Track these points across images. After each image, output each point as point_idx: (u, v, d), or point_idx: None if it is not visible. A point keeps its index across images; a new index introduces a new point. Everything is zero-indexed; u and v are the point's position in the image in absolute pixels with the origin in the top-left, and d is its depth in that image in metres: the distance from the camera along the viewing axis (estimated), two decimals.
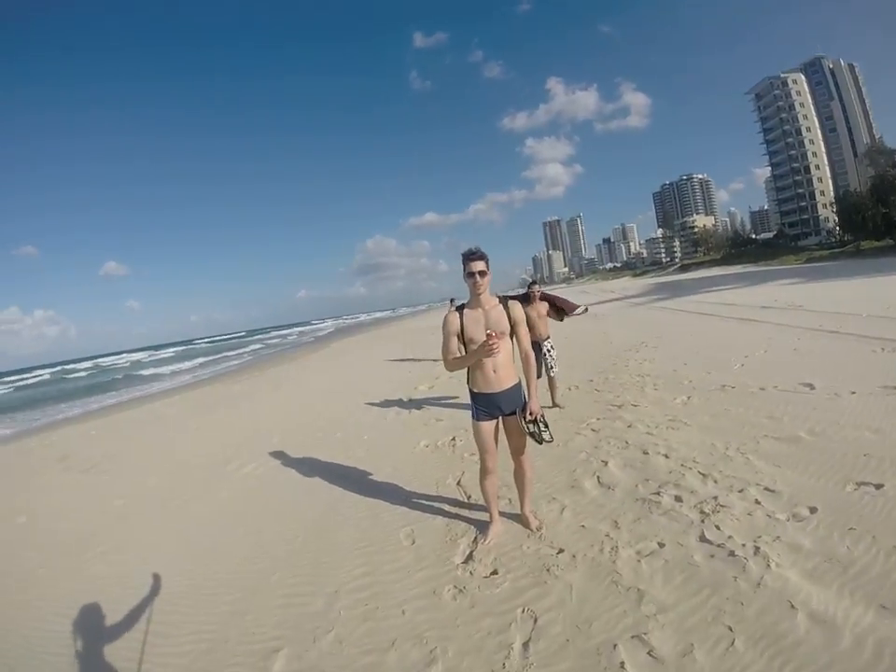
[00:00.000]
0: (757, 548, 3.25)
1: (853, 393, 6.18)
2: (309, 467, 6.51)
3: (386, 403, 9.69)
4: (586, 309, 8.18)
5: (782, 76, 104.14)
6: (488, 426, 3.74)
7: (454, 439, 6.68)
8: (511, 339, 3.72)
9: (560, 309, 7.86)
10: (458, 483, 5.14)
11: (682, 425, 5.90)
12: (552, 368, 7.45)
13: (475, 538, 3.96)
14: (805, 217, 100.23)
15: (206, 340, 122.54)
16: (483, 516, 4.21)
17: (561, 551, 3.59)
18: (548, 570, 3.38)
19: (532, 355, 3.78)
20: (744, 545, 3.30)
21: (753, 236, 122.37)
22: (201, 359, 43.95)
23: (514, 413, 3.70)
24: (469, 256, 3.57)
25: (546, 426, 3.71)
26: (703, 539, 3.46)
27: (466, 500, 4.71)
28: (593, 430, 6.21)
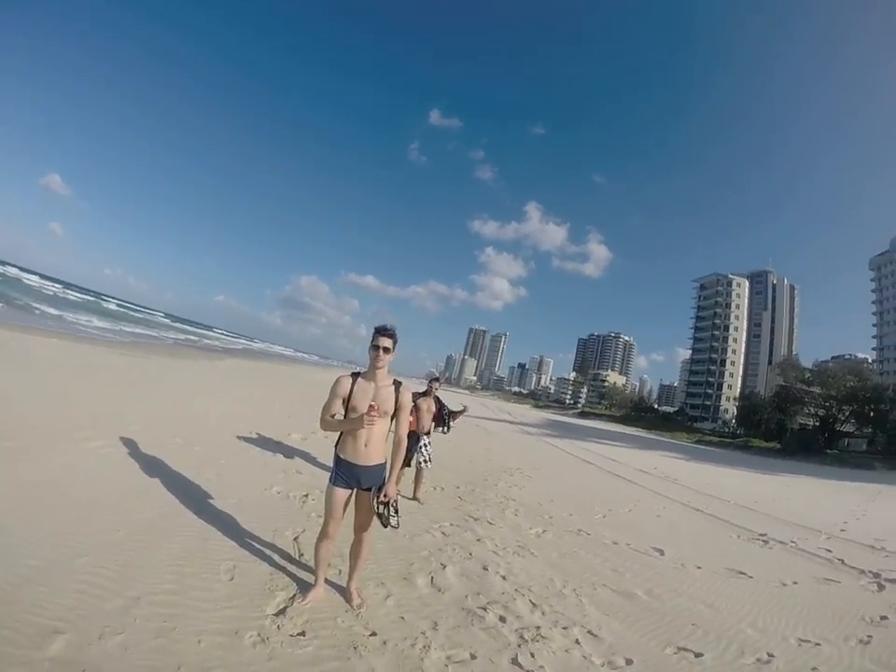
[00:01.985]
0: None
1: (699, 567, 6.62)
2: (156, 467, 6.27)
3: (255, 438, 9.44)
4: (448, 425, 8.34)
5: (730, 276, 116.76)
6: (342, 493, 3.83)
7: (307, 495, 6.59)
8: (392, 422, 3.94)
9: (441, 415, 8.12)
10: (296, 539, 5.06)
11: (529, 554, 6.03)
12: (424, 461, 7.55)
13: (294, 595, 3.91)
14: (708, 403, 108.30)
15: (121, 303, 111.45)
16: (309, 577, 4.19)
17: (374, 634, 3.58)
18: (355, 648, 3.36)
19: (405, 442, 3.98)
20: None
21: (656, 406, 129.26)
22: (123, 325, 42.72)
23: (370, 489, 3.81)
24: (381, 330, 3.85)
25: (396, 511, 3.80)
26: (515, 661, 3.54)
27: (297, 557, 4.65)
28: (443, 533, 6.25)
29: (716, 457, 37.02)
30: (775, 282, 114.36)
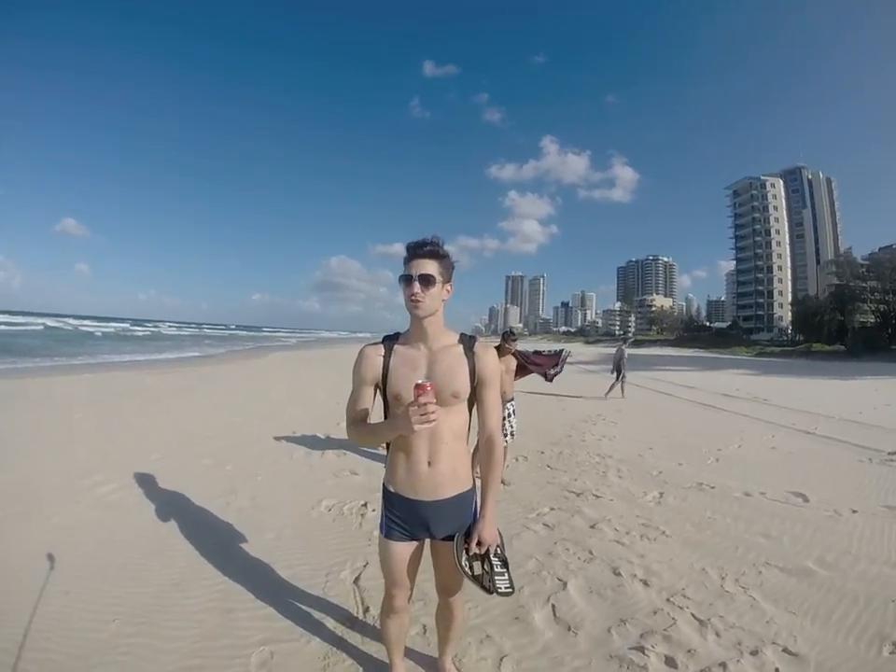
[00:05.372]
0: None
1: (854, 511, 5.27)
2: (174, 508, 5.05)
3: (300, 436, 8.27)
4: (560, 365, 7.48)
5: (762, 178, 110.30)
6: (403, 549, 2.26)
7: (365, 505, 5.24)
8: (471, 409, 2.28)
9: (530, 366, 6.93)
10: (356, 581, 3.67)
11: (660, 534, 4.65)
12: (508, 435, 6.21)
13: None
14: (761, 313, 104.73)
15: (181, 325, 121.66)
16: (381, 652, 2.78)
17: None
18: None
19: (500, 439, 2.24)
20: None
21: (707, 324, 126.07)
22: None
23: (452, 537, 2.20)
24: (414, 248, 2.11)
25: (505, 564, 2.21)
26: None
27: (360, 614, 3.26)
28: (545, 525, 4.85)
29: (786, 368, 35.05)
30: (810, 177, 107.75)
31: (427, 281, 2.06)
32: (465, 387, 2.14)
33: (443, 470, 2.16)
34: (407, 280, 2.08)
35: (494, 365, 2.21)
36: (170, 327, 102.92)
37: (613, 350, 16.98)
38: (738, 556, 4.16)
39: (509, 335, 6.41)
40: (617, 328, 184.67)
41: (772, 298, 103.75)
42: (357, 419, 2.21)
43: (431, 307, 2.10)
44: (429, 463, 2.15)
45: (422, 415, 1.84)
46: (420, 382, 1.89)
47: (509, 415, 6.19)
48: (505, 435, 6.05)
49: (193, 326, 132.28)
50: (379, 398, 2.25)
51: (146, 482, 5.76)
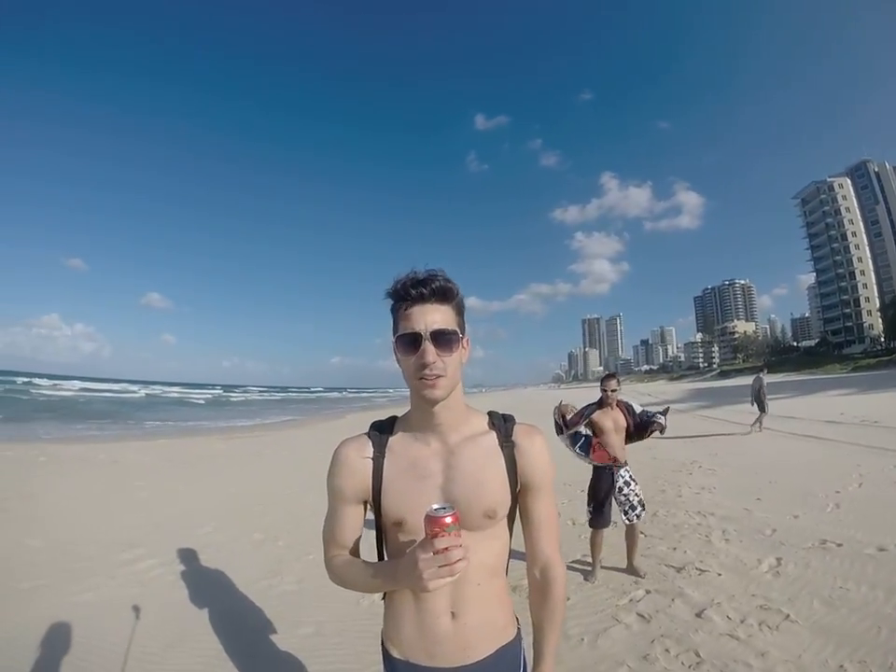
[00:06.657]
0: None
1: None
2: (214, 588, 4.69)
3: None
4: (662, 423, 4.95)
5: (828, 180, 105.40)
6: None
7: None
8: (512, 523, 1.38)
9: (640, 426, 4.90)
10: None
11: (783, 619, 3.65)
12: (634, 509, 4.77)
13: None
14: (850, 324, 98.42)
15: (262, 390, 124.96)
16: None
17: None
18: None
19: (561, 568, 1.38)
20: None
21: (795, 344, 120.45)
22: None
23: None
24: (415, 287, 1.20)
25: None
26: None
27: None
28: (640, 616, 3.84)
29: (888, 381, 32.16)
30: (876, 170, 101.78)
31: (446, 341, 1.20)
32: (503, 501, 1.29)
33: (475, 623, 1.27)
34: (411, 342, 1.20)
35: (544, 459, 1.35)
36: (261, 392, 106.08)
37: (698, 385, 15.80)
38: (883, 641, 3.30)
39: (608, 378, 4.87)
40: (701, 360, 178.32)
41: (859, 306, 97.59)
42: (337, 553, 1.36)
43: (453, 382, 1.25)
44: (453, 614, 1.26)
45: (441, 567, 1.02)
46: (434, 510, 1.05)
47: (628, 482, 4.81)
48: (632, 507, 4.78)
49: (278, 389, 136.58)
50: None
51: (188, 558, 5.42)
